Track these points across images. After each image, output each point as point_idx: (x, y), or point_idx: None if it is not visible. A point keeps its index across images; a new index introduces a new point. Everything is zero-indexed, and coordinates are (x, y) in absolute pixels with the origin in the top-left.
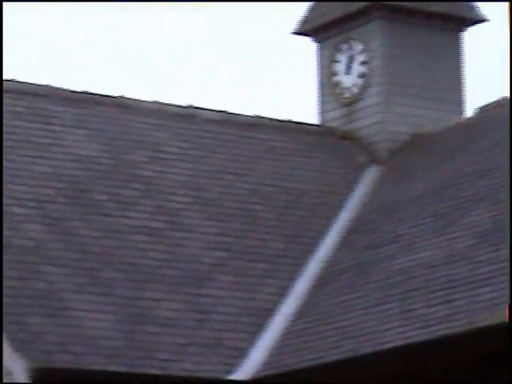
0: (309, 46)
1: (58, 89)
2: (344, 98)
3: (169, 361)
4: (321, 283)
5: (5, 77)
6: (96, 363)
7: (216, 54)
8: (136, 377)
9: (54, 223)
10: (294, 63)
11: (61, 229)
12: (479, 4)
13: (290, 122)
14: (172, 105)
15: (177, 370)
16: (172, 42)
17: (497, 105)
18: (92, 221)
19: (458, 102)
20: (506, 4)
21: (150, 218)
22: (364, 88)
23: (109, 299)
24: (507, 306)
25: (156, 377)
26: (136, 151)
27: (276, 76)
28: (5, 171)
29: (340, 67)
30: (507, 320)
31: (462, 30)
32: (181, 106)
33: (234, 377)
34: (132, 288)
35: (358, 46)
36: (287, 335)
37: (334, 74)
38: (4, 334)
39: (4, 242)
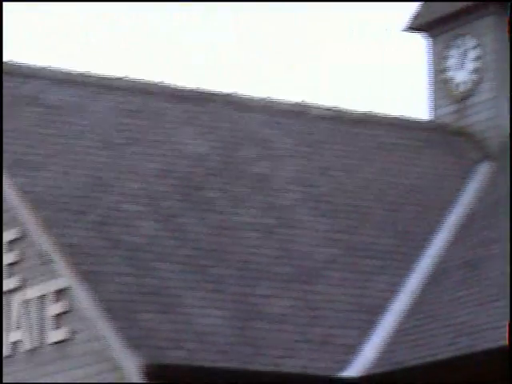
0: (420, 41)
1: (170, 86)
2: (456, 93)
3: (280, 357)
4: (433, 280)
5: (115, 75)
6: (208, 360)
7: (326, 51)
8: (248, 373)
9: (166, 220)
10: (405, 59)
11: (173, 225)
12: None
13: (402, 118)
14: (283, 101)
15: (288, 366)
16: (282, 40)
17: None
18: (204, 217)
19: None
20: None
21: (261, 215)
22: (477, 83)
23: (221, 296)
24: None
25: (268, 373)
26: (247, 148)
27: (387, 72)
28: (117, 168)
29: (452, 63)
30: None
31: None
32: (291, 103)
33: (346, 374)
34: (244, 285)
35: (471, 41)
36: (399, 332)
37: (446, 69)
38: (116, 331)
39: (117, 238)
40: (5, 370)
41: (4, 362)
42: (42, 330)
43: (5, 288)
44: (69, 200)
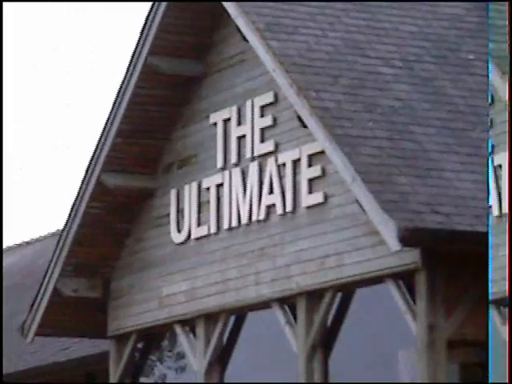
0: None
1: None
2: None
3: None
4: None
5: None
6: (465, 224)
7: None
8: None
9: (421, 83)
10: None
11: (428, 89)
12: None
13: None
14: None
15: None
16: None
17: None
18: (460, 80)
19: None
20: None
21: None
22: None
23: (478, 159)
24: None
25: None
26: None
27: None
28: (372, 31)
29: None
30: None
31: None
32: None
33: None
34: None
35: None
36: None
37: None
38: (372, 194)
39: (372, 102)
40: (259, 234)
41: (258, 225)
42: (296, 194)
43: (258, 152)
44: (324, 63)
